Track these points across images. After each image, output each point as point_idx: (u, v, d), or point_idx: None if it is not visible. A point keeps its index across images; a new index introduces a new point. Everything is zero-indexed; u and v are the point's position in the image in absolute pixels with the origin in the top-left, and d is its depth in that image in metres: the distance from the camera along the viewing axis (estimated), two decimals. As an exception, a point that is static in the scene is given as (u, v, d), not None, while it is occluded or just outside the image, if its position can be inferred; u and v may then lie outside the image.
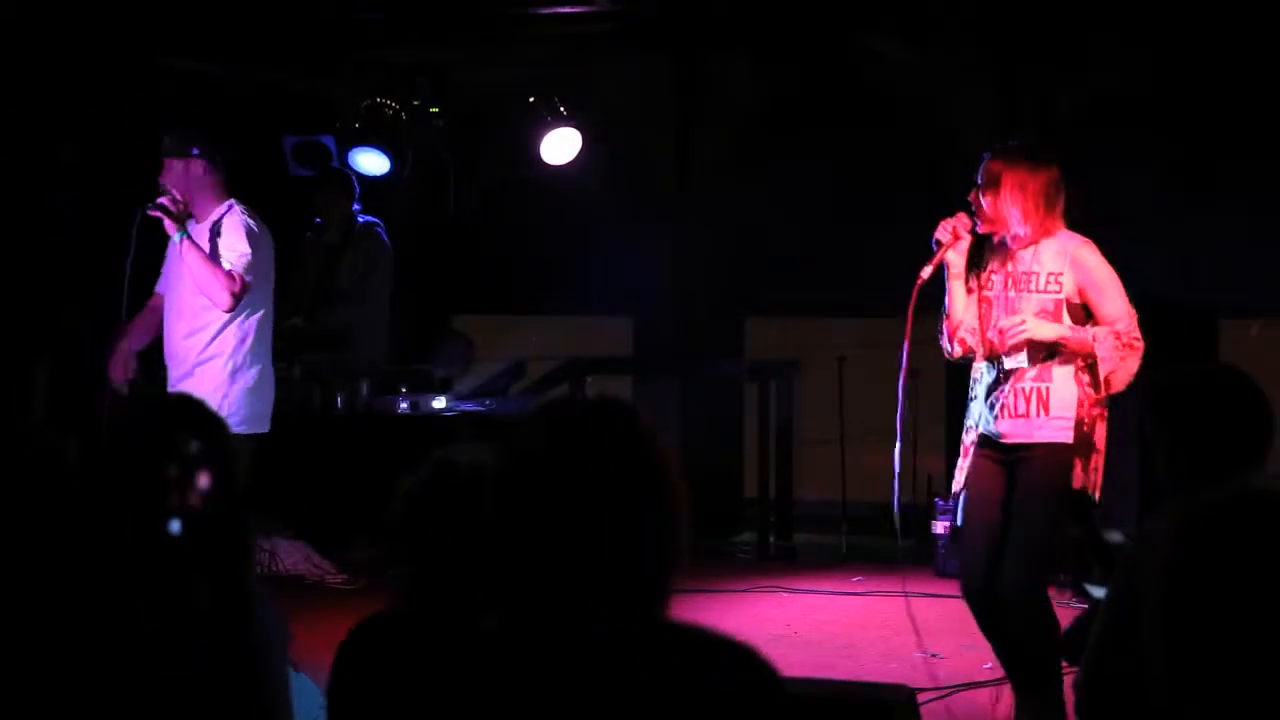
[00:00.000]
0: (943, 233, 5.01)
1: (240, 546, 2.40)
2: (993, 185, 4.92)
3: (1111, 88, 8.51)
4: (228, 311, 5.99)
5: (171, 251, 6.15)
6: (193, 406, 2.50)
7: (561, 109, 8.38)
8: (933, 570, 8.03)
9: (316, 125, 9.00)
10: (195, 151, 6.11)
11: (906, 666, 6.12)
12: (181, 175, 6.10)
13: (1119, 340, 4.83)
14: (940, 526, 8.04)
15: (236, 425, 5.71)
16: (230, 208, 6.16)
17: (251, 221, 6.12)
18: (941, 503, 8.14)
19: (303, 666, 4.70)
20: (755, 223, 9.19)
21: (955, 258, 5.06)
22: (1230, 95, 8.27)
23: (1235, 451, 3.12)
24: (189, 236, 5.98)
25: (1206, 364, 3.46)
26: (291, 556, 7.62)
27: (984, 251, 5.08)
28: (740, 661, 1.97)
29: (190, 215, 6.10)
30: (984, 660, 6.08)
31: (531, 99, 8.40)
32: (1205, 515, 2.62)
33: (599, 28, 8.85)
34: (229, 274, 5.97)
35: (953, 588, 7.58)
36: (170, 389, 6.02)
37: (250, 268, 6.01)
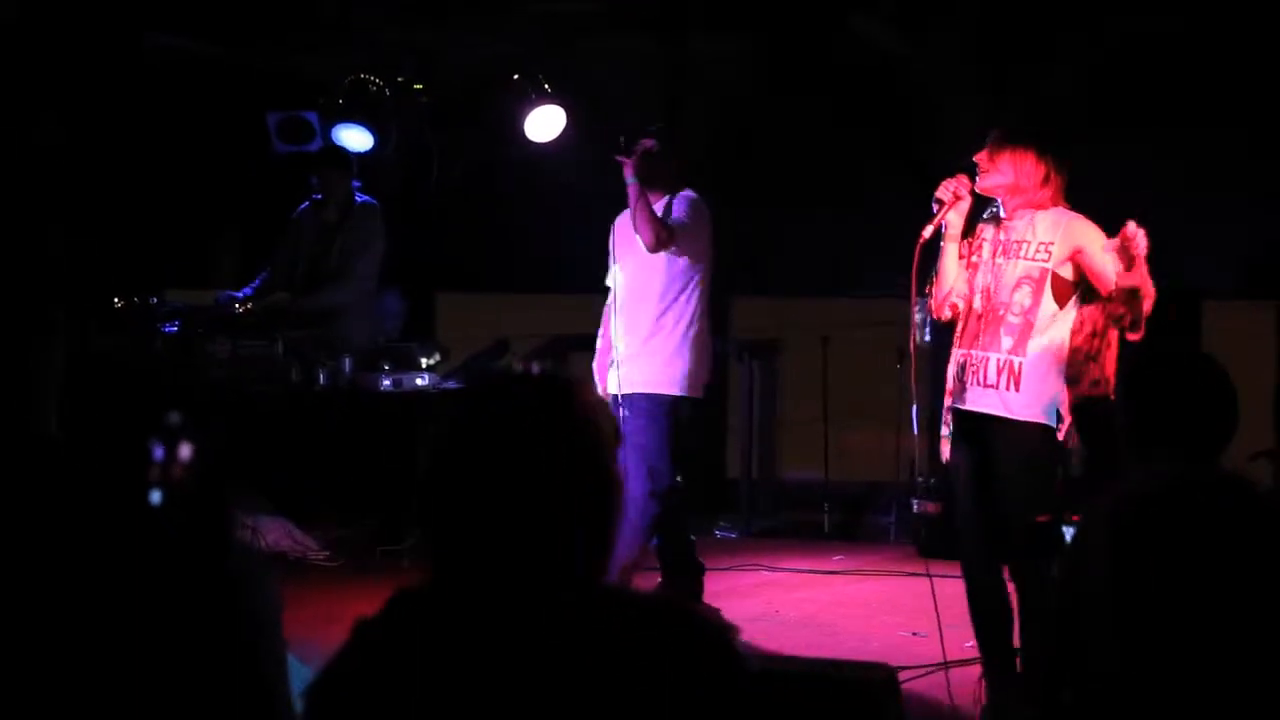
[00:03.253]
0: (943, 192, 5.01)
1: (226, 521, 2.39)
2: (999, 146, 4.98)
3: (1097, 64, 8.52)
4: (651, 252, 6.41)
5: (622, 239, 6.64)
6: (176, 379, 2.50)
7: (546, 86, 8.36)
8: (915, 549, 8.06)
9: (300, 101, 8.97)
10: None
11: (888, 645, 6.15)
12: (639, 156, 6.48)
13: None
14: (922, 505, 8.06)
15: (683, 389, 6.37)
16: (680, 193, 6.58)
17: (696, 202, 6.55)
18: (923, 481, 8.17)
19: (288, 642, 4.71)
20: (740, 203, 9.19)
21: (955, 218, 5.06)
22: (1216, 78, 8.29)
23: (1200, 435, 3.14)
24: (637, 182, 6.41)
25: (1181, 349, 3.50)
26: (273, 533, 7.61)
27: (979, 221, 5.10)
28: (680, 621, 1.99)
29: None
30: (965, 639, 6.11)
31: (516, 76, 8.38)
32: (1140, 498, 2.65)
33: (586, 7, 8.83)
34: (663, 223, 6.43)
35: (934, 566, 7.63)
36: (625, 360, 6.46)
37: (683, 229, 6.44)
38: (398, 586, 2.07)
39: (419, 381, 7.92)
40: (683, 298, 6.49)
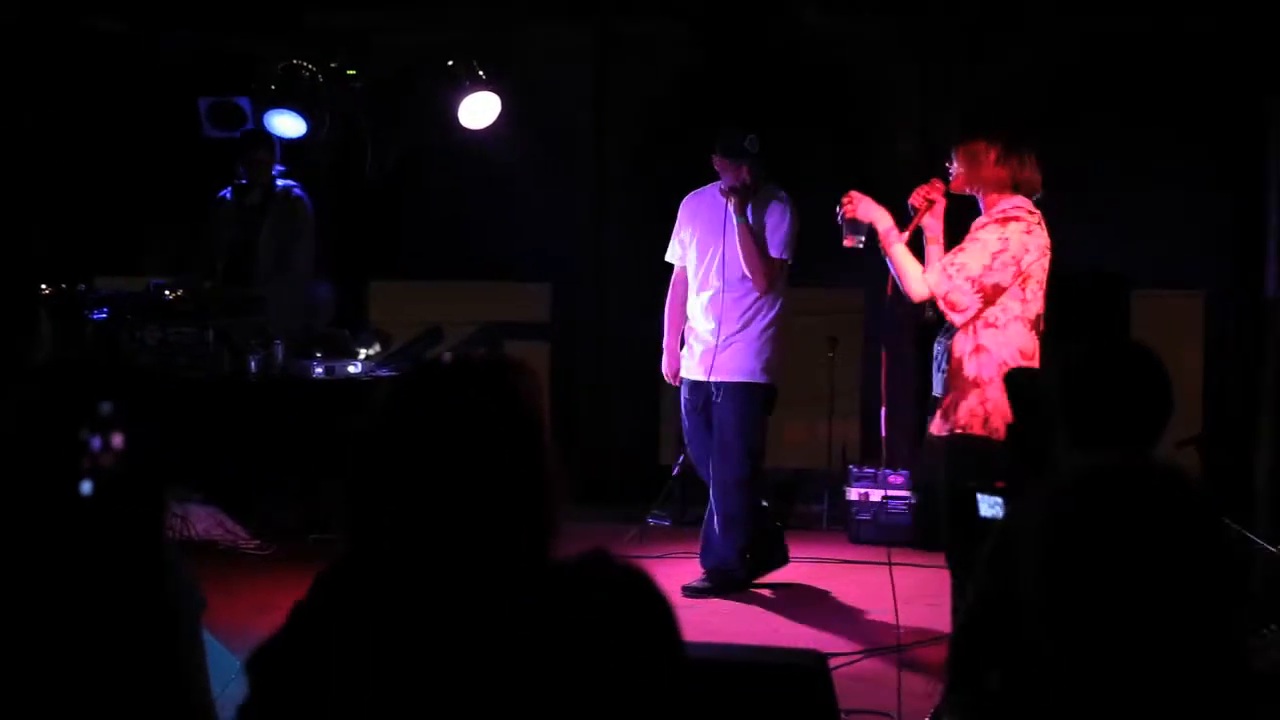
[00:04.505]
0: (917, 198, 5.09)
1: (155, 510, 2.38)
2: (955, 144, 5.12)
3: (1031, 60, 8.58)
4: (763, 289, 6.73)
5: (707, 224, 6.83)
6: (106, 368, 2.48)
7: (480, 73, 8.33)
8: (847, 536, 8.11)
9: (232, 87, 8.90)
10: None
11: (820, 631, 6.18)
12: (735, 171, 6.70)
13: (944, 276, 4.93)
14: (855, 493, 8.11)
15: (773, 378, 6.75)
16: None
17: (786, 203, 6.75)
18: (856, 469, 8.22)
19: (218, 632, 4.67)
20: (674, 189, 9.20)
21: (931, 221, 5.14)
22: (1145, 70, 8.37)
23: (1138, 425, 3.18)
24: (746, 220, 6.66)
25: (1118, 340, 3.55)
26: (204, 522, 7.56)
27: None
28: (619, 591, 2.00)
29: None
30: (894, 625, 6.16)
31: (450, 62, 8.35)
32: (1078, 485, 2.69)
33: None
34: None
35: (867, 553, 7.70)
36: (719, 347, 6.71)
37: (787, 248, 6.73)
38: (323, 568, 2.07)
39: (351, 369, 7.88)
40: (776, 289, 6.76)
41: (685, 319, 6.95)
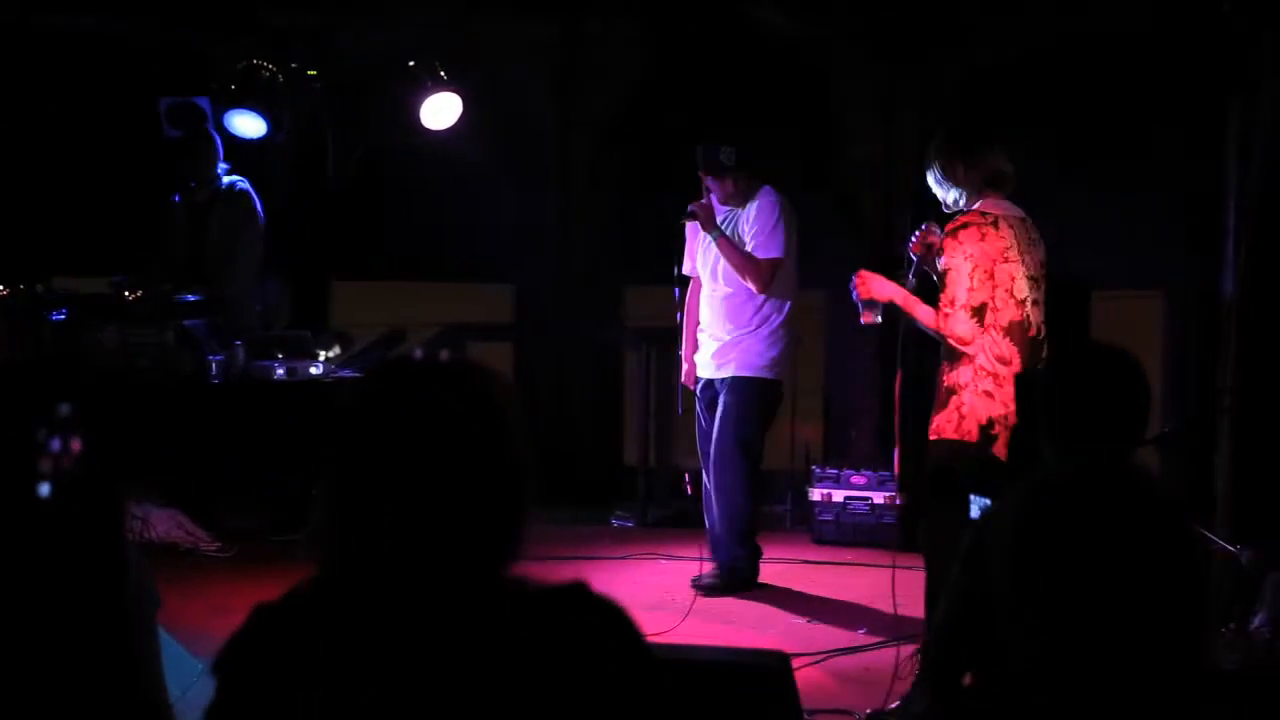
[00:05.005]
0: (917, 247, 5.12)
1: (113, 512, 2.36)
2: (936, 172, 5.15)
3: (988, 63, 8.62)
4: (762, 292, 6.86)
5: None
6: (64, 369, 2.45)
7: (442, 73, 8.31)
8: (810, 537, 8.12)
9: (192, 87, 8.84)
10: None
11: (783, 632, 6.19)
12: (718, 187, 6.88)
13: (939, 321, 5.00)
14: (818, 494, 8.12)
15: (776, 374, 6.88)
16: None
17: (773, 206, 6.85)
18: (819, 470, 8.22)
19: (178, 634, 4.64)
20: (635, 189, 9.20)
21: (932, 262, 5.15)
22: (1105, 70, 8.41)
23: (1120, 428, 3.20)
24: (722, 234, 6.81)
25: (1093, 340, 3.59)
26: (164, 524, 7.51)
27: None
28: (588, 609, 1.99)
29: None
30: (859, 625, 6.17)
31: (411, 63, 8.32)
32: (1047, 487, 2.70)
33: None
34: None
35: (828, 554, 7.71)
36: (726, 346, 6.88)
37: (774, 249, 6.82)
38: (301, 577, 2.05)
39: (313, 370, 7.85)
40: (778, 290, 6.88)
41: (699, 325, 7.07)
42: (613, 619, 2.01)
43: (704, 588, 6.79)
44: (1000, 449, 4.96)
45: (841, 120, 8.91)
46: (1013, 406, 4.95)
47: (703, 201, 6.86)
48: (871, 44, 8.73)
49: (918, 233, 5.11)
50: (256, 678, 1.99)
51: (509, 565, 2.01)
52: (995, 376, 4.95)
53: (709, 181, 6.86)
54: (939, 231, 5.07)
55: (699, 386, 7.04)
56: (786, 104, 8.92)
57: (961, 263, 4.95)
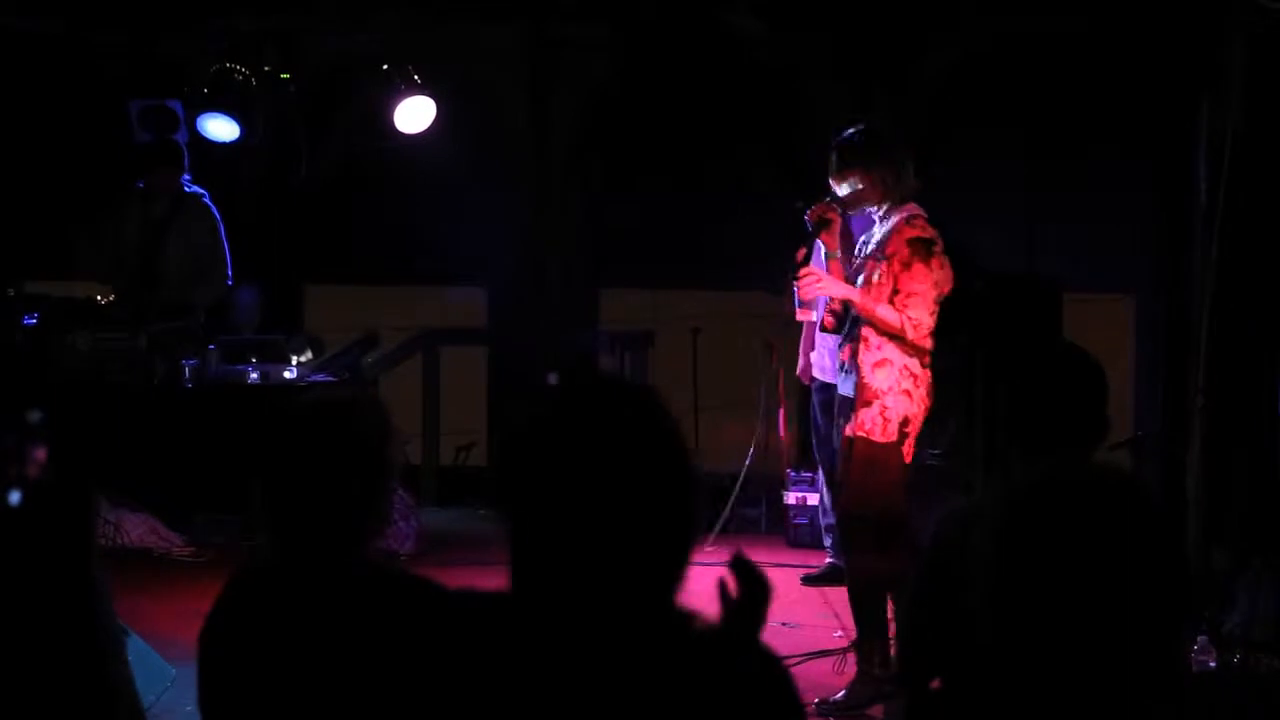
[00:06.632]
0: (813, 216, 5.21)
1: (82, 518, 2.35)
2: (844, 168, 5.18)
3: (958, 65, 8.64)
4: None
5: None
6: (35, 375, 2.45)
7: (415, 77, 8.30)
8: (785, 540, 8.12)
9: (164, 90, 8.80)
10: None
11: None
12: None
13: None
14: (792, 497, 8.13)
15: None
16: None
17: None
18: (793, 473, 8.23)
19: (151, 640, 4.62)
20: (608, 193, 9.20)
21: (827, 238, 5.28)
22: (1075, 71, 8.44)
23: (1086, 429, 3.21)
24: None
25: (1057, 343, 3.64)
26: (137, 529, 7.48)
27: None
28: (753, 660, 1.97)
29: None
30: (834, 628, 6.18)
31: (385, 66, 8.30)
32: (1031, 489, 2.71)
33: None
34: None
35: (803, 556, 7.71)
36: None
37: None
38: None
39: (286, 374, 7.83)
40: None
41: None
42: (778, 680, 1.99)
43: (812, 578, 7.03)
44: (909, 447, 5.12)
45: (818, 118, 8.92)
46: (926, 405, 5.13)
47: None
48: (843, 49, 8.75)
49: (816, 205, 5.20)
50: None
51: (678, 592, 1.94)
52: (915, 377, 5.11)
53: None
54: (840, 211, 5.22)
55: (815, 387, 7.01)
56: (759, 108, 8.94)
57: (929, 289, 5.07)
